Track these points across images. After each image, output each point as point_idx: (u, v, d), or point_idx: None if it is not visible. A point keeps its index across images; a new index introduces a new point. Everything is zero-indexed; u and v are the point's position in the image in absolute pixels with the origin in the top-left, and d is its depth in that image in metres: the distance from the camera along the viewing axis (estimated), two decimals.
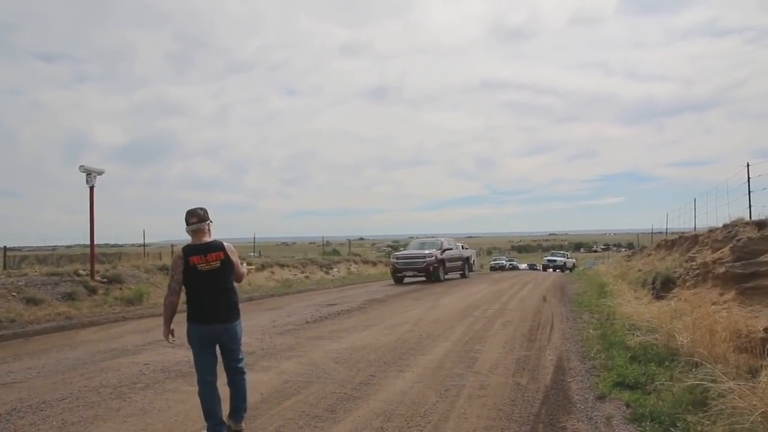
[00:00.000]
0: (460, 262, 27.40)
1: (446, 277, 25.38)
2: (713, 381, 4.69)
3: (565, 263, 49.66)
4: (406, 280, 24.56)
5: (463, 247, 37.95)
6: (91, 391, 6.42)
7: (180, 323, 4.73)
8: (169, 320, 4.68)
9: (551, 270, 46.36)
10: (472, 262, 40.32)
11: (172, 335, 4.71)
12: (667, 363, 6.55)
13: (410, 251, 25.80)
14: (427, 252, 24.56)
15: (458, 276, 27.22)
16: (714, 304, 8.00)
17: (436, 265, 24.09)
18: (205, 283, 4.63)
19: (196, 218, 4.77)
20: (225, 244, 4.80)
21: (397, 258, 25.22)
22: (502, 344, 8.89)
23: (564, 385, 6.42)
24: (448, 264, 25.52)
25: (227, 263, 4.74)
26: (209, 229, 4.83)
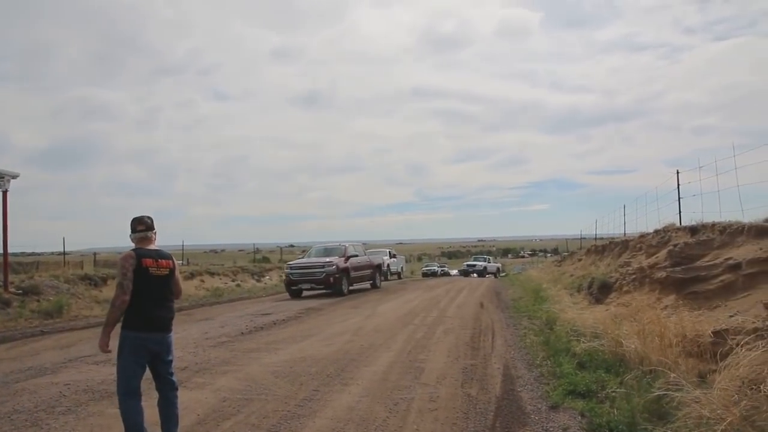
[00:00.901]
0: (369, 271, 23.81)
1: (353, 288, 22.08)
2: (678, 389, 4.58)
3: (485, 267, 48.24)
4: (308, 293, 20.96)
5: (391, 254, 37.04)
6: (2, 418, 5.75)
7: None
8: (113, 324, 4.41)
9: (474, 275, 44.99)
10: (401, 269, 39.64)
11: (107, 346, 4.40)
12: (615, 369, 6.50)
13: (307, 260, 22.08)
14: (326, 260, 20.90)
15: (368, 286, 23.97)
16: (654, 308, 8.04)
17: (337, 275, 20.43)
18: (153, 289, 4.47)
19: (144, 226, 4.64)
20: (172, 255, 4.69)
21: (292, 268, 21.41)
22: (446, 353, 8.70)
23: (515, 395, 6.26)
24: (353, 273, 21.92)
25: (173, 272, 4.64)
26: (155, 238, 4.70)
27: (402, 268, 40.09)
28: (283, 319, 13.48)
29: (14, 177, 15.50)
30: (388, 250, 37.70)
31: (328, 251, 22.40)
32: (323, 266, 20.52)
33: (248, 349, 9.48)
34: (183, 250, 45.56)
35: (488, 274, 47.01)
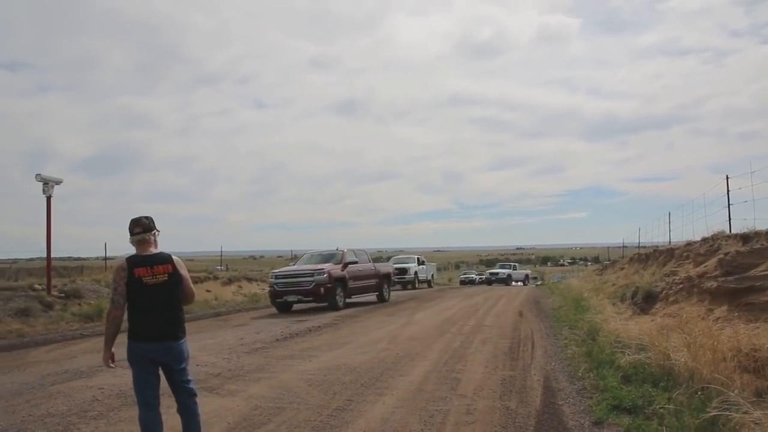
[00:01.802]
0: (373, 281, 20.62)
1: (352, 300, 19.69)
2: (735, 408, 4.26)
3: (509, 275, 45.29)
4: (298, 306, 18.30)
5: (419, 261, 35.70)
6: (35, 421, 5.77)
7: (121, 344, 4.25)
8: (111, 339, 4.25)
9: (504, 284, 41.74)
10: (431, 276, 37.57)
11: (112, 360, 4.29)
12: (662, 384, 6.16)
13: (295, 267, 19.30)
14: (317, 268, 17.99)
15: (373, 298, 21.06)
16: (704, 319, 7.66)
17: (329, 285, 17.50)
18: (151, 298, 4.21)
19: (141, 227, 4.37)
20: (173, 257, 4.38)
21: (276, 277, 18.40)
22: (484, 363, 8.44)
23: (556, 408, 5.98)
24: (352, 283, 18.94)
25: (175, 277, 4.34)
26: (155, 240, 4.45)
27: (432, 275, 38.70)
28: (319, 326, 13.41)
29: (57, 183, 15.84)
30: (416, 257, 36.79)
31: (323, 258, 19.62)
32: (312, 274, 17.70)
33: (282, 356, 9.40)
34: (222, 255, 46.26)
35: (514, 281, 44.59)
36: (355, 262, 19.53)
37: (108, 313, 4.24)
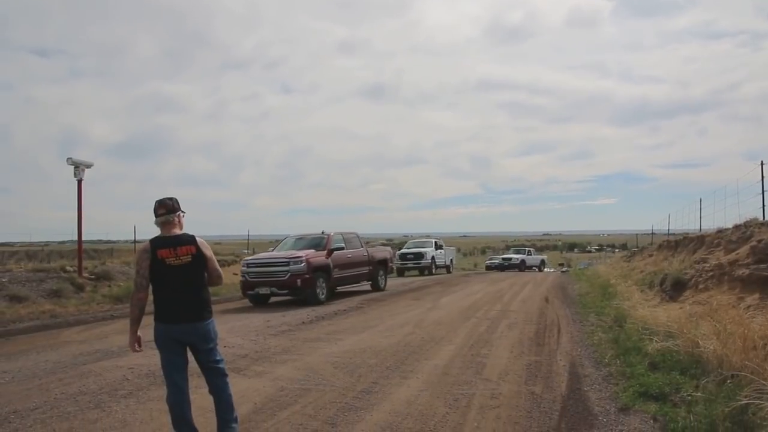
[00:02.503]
0: (365, 269, 18.24)
1: (343, 290, 17.92)
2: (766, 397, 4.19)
3: (523, 261, 43.79)
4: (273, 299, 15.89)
5: (437, 245, 33.91)
6: (68, 399, 5.93)
7: (148, 326, 4.30)
8: (136, 321, 4.28)
9: (517, 270, 40.64)
10: (450, 261, 35.45)
11: (139, 344, 4.33)
12: (690, 371, 6.07)
13: (269, 254, 16.89)
14: (294, 256, 15.28)
15: (368, 287, 18.93)
16: (735, 307, 7.52)
17: (308, 276, 14.83)
18: (174, 279, 4.22)
19: (165, 209, 4.36)
20: (197, 238, 4.38)
21: (248, 265, 15.84)
22: (509, 348, 8.41)
23: (582, 394, 5.94)
24: (338, 272, 16.41)
25: (199, 258, 4.32)
26: (180, 221, 4.44)
27: (451, 260, 36.80)
28: (345, 309, 13.50)
29: (88, 166, 16.14)
30: (434, 241, 35.35)
31: (305, 243, 16.84)
32: (288, 263, 15.04)
33: (308, 338, 9.48)
34: (248, 239, 46.63)
35: (528, 267, 43.25)
36: (342, 248, 16.85)
37: (132, 296, 4.29)
